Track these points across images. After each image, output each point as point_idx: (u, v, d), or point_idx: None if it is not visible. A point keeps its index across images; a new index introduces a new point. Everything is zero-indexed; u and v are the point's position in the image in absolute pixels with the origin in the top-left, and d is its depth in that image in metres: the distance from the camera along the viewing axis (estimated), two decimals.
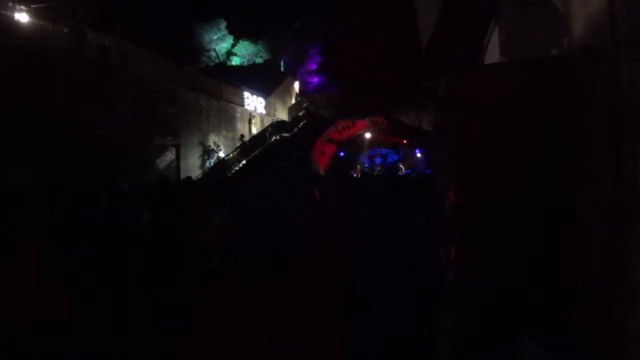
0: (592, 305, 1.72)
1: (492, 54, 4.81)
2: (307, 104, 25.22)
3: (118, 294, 3.66)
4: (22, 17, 10.11)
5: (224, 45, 31.36)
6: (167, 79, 14.85)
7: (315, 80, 31.40)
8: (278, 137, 21.24)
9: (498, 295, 2.07)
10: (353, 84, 24.39)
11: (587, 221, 1.79)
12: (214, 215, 4.62)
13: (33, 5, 10.40)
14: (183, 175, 13.96)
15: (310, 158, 20.23)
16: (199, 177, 15.27)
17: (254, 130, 21.20)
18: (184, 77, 16.25)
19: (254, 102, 21.85)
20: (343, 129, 23.73)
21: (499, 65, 3.68)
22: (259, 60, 31.54)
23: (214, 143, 16.86)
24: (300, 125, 23.19)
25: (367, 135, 24.70)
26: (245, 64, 30.97)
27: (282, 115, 25.20)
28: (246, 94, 21.20)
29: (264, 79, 24.32)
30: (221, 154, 17.19)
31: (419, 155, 23.20)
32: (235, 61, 31.36)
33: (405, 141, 23.90)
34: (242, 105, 20.77)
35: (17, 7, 10.04)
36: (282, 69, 29.76)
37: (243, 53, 31.64)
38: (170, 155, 14.75)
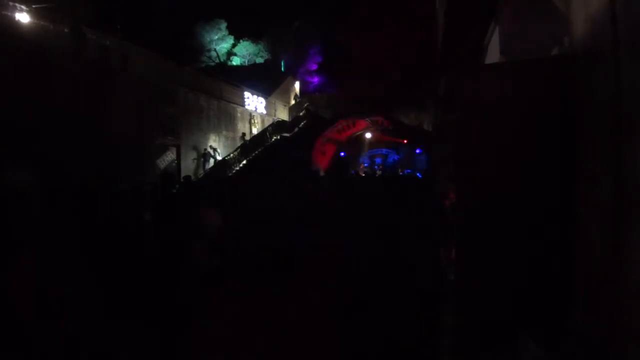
0: (592, 305, 1.72)
1: (493, 54, 4.81)
2: (307, 104, 25.24)
3: (117, 293, 3.66)
4: (23, 17, 10.13)
5: (224, 45, 31.38)
6: (168, 79, 14.86)
7: (315, 80, 31.40)
8: (278, 137, 21.26)
9: (498, 295, 2.07)
10: (353, 83, 24.39)
11: (587, 221, 1.79)
12: (212, 216, 4.62)
13: (34, 6, 10.41)
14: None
15: (310, 158, 20.26)
16: (200, 176, 15.28)
17: (255, 130, 21.21)
18: (184, 77, 16.26)
19: (254, 102, 21.87)
20: (343, 129, 23.75)
21: (499, 65, 3.68)
22: (259, 60, 31.55)
23: (210, 147, 16.35)
24: (300, 125, 23.20)
25: (368, 135, 24.72)
26: (246, 64, 30.98)
27: (283, 115, 25.22)
28: (246, 94, 21.22)
29: (264, 79, 24.34)
30: (218, 157, 16.77)
31: (419, 155, 23.22)
32: (235, 61, 31.37)
33: (405, 141, 23.91)
34: (243, 105, 20.79)
35: (18, 7, 10.05)
36: (282, 69, 29.77)
37: (243, 53, 31.65)
38: (170, 155, 14.76)
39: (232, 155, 17.59)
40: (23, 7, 10.14)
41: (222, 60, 31.03)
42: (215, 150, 16.57)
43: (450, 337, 2.33)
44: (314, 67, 31.34)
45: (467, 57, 5.64)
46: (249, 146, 18.85)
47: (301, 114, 24.59)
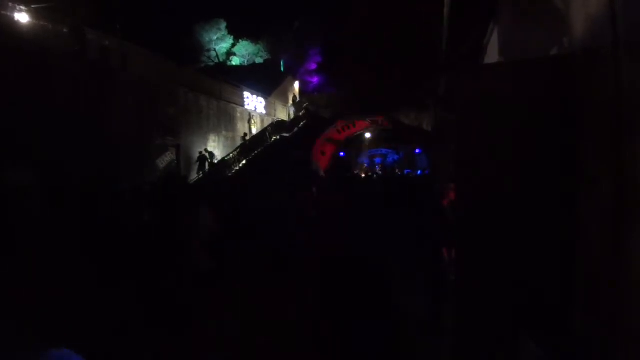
0: (592, 305, 1.72)
1: (492, 54, 4.81)
2: (307, 104, 25.23)
3: (117, 291, 3.67)
4: (22, 17, 10.12)
5: (224, 45, 31.37)
6: (167, 79, 14.85)
7: (315, 80, 31.39)
8: (278, 137, 21.25)
9: (498, 295, 2.07)
10: (353, 84, 24.39)
11: (587, 221, 1.79)
12: (212, 216, 4.62)
13: (33, 6, 10.40)
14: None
15: (310, 158, 20.26)
16: (199, 176, 15.26)
17: (254, 130, 21.19)
18: (184, 77, 16.25)
19: (254, 102, 21.86)
20: (343, 129, 23.74)
21: (499, 65, 3.68)
22: (259, 60, 31.55)
23: (205, 150, 15.83)
24: (300, 125, 23.20)
25: (367, 135, 24.72)
26: (245, 64, 30.97)
27: (282, 115, 25.21)
28: (246, 94, 21.21)
29: (264, 79, 24.32)
30: (214, 161, 16.28)
31: (418, 155, 23.23)
32: (235, 61, 31.36)
33: (404, 141, 23.91)
34: (242, 105, 20.78)
35: (17, 8, 10.04)
36: (282, 69, 29.75)
37: (243, 53, 31.64)
38: (170, 155, 14.75)
39: (231, 155, 17.58)
40: (22, 7, 10.13)
41: (221, 60, 31.02)
42: (211, 153, 16.05)
43: (450, 337, 2.33)
44: (314, 67, 31.33)
45: (467, 57, 5.64)
46: (248, 146, 18.83)
47: (301, 114, 24.58)
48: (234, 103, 19.98)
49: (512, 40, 3.80)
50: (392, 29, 23.64)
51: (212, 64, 29.99)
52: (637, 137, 1.38)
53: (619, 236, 1.47)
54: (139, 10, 21.65)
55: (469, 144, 2.22)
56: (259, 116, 22.32)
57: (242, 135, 19.62)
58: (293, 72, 29.39)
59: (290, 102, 25.84)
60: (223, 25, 30.78)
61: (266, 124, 22.45)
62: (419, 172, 19.45)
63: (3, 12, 9.62)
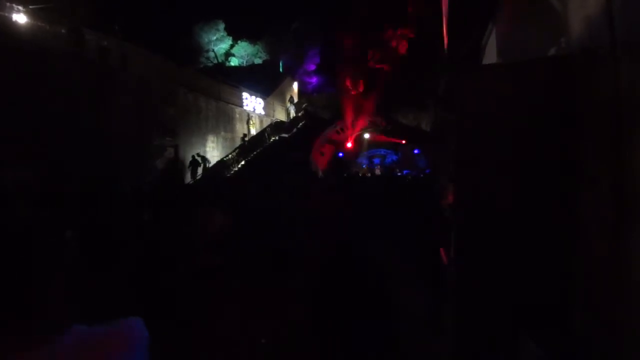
0: (592, 306, 1.72)
1: (491, 55, 4.82)
2: (306, 104, 25.23)
3: (118, 290, 3.67)
4: (21, 18, 10.10)
5: (222, 46, 31.36)
6: (167, 79, 14.84)
7: (314, 80, 31.39)
8: (277, 138, 21.25)
9: (498, 295, 2.07)
10: (352, 84, 24.41)
11: (587, 221, 1.79)
12: (214, 215, 4.62)
13: (31, 6, 10.38)
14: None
15: (309, 159, 20.28)
16: (199, 177, 15.24)
17: (253, 131, 21.18)
18: (183, 78, 16.23)
19: (252, 103, 21.84)
20: (342, 130, 23.75)
21: (499, 65, 3.69)
22: (257, 61, 31.54)
23: (198, 154, 15.26)
24: (299, 126, 23.20)
25: (366, 136, 24.73)
26: (244, 64, 30.96)
27: (281, 115, 25.20)
28: (245, 95, 21.19)
29: (262, 80, 24.30)
30: (208, 165, 15.72)
31: (417, 155, 23.25)
32: (233, 62, 31.35)
33: (404, 141, 23.93)
34: (241, 105, 20.77)
35: (16, 8, 10.02)
36: (281, 70, 29.73)
37: (242, 54, 31.64)
38: (169, 156, 14.73)
39: (230, 156, 17.56)
40: (21, 8, 10.12)
41: (220, 61, 31.00)
42: (203, 158, 15.49)
43: (450, 337, 2.33)
44: (313, 67, 31.33)
45: (466, 58, 5.65)
46: (247, 147, 18.82)
47: (300, 114, 24.58)
48: (233, 104, 19.98)
49: (511, 41, 3.81)
50: (392, 29, 23.68)
51: (211, 64, 29.97)
52: (636, 137, 1.39)
53: (618, 236, 1.48)
54: (138, 10, 21.66)
55: (469, 144, 2.22)
56: (257, 117, 22.31)
57: (242, 135, 19.60)
58: (292, 73, 29.39)
59: (288, 102, 25.79)
60: (222, 26, 30.77)
61: (265, 124, 22.44)
62: (414, 172, 19.49)
63: (1, 13, 9.60)
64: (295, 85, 29.21)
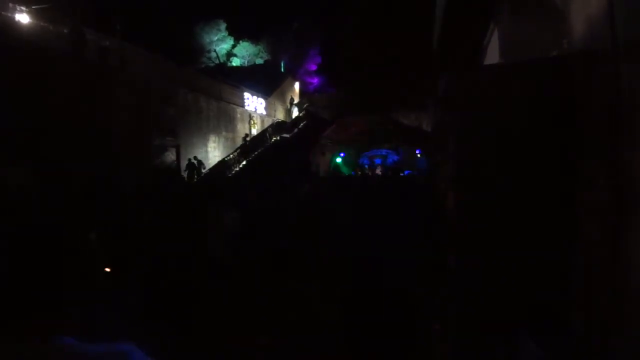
0: (592, 306, 1.72)
1: (492, 55, 4.81)
2: (307, 104, 25.23)
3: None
4: (23, 18, 10.13)
5: (224, 46, 31.38)
6: (167, 79, 14.85)
7: (315, 80, 31.40)
8: (278, 138, 21.25)
9: (498, 295, 2.07)
10: (353, 84, 24.40)
11: (586, 221, 1.79)
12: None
13: (34, 7, 10.41)
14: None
15: (310, 159, 20.28)
16: (195, 180, 15.20)
17: (254, 131, 21.18)
18: (184, 78, 16.25)
19: (254, 103, 21.85)
20: (343, 130, 23.74)
21: (499, 65, 3.69)
22: (259, 61, 31.55)
23: (194, 157, 14.93)
24: (300, 126, 23.21)
25: (367, 136, 24.71)
26: (246, 64, 30.97)
27: (283, 115, 25.21)
28: (246, 95, 21.20)
29: (264, 80, 24.30)
30: (203, 170, 15.32)
31: (419, 155, 23.22)
32: (235, 62, 31.36)
33: (404, 141, 23.91)
34: (242, 105, 20.77)
35: (18, 8, 10.05)
36: (282, 70, 29.75)
37: (243, 54, 31.65)
38: (170, 156, 14.73)
39: (231, 156, 17.56)
40: (23, 8, 10.14)
41: (221, 61, 31.02)
42: (199, 162, 15.11)
43: (450, 337, 2.34)
44: (314, 67, 31.34)
45: (467, 58, 5.65)
46: (248, 147, 18.81)
47: (301, 114, 24.59)
48: (234, 104, 19.98)
49: (512, 41, 3.81)
50: (392, 29, 23.66)
51: (212, 64, 29.99)
52: (636, 137, 1.39)
53: (618, 236, 1.48)
54: (139, 11, 21.67)
55: (469, 144, 2.22)
56: (259, 117, 22.32)
57: (243, 136, 19.59)
58: (293, 73, 29.40)
59: (288, 104, 25.76)
60: (223, 26, 30.78)
61: (266, 124, 22.44)
62: (415, 172, 19.47)
63: (4, 13, 9.63)
64: (296, 85, 29.21)
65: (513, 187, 2.09)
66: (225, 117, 18.92)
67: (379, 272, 3.72)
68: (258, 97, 22.37)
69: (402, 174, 20.57)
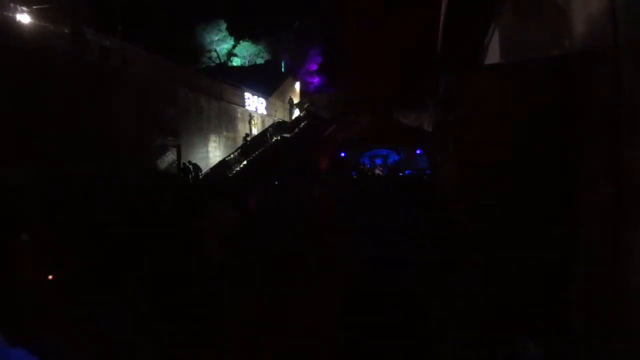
0: (592, 306, 1.72)
1: (493, 55, 4.81)
2: (307, 104, 25.24)
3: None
4: (24, 18, 10.15)
5: (224, 46, 31.40)
6: (168, 79, 14.86)
7: (315, 80, 31.41)
8: (279, 138, 21.26)
9: (498, 295, 2.07)
10: (354, 84, 24.39)
11: (587, 221, 1.79)
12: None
13: (34, 7, 10.42)
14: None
15: (311, 158, 20.28)
16: (200, 177, 15.24)
17: (255, 131, 21.19)
18: (184, 78, 16.26)
19: (254, 103, 21.86)
20: (343, 129, 23.75)
21: (499, 65, 3.69)
22: (259, 61, 31.56)
23: (189, 162, 14.60)
24: (301, 126, 23.22)
25: (368, 136, 24.71)
26: (246, 64, 30.98)
27: (283, 115, 25.22)
28: (247, 95, 21.20)
29: (264, 80, 24.31)
30: (201, 174, 15.11)
31: (419, 155, 23.22)
32: (235, 62, 31.38)
33: (405, 141, 23.91)
34: (243, 105, 20.78)
35: (19, 9, 10.07)
36: (282, 70, 29.76)
37: (244, 54, 31.67)
38: (171, 156, 14.74)
39: (232, 156, 17.57)
40: (24, 8, 10.16)
41: (222, 61, 31.04)
42: (195, 165, 14.78)
43: (450, 337, 2.34)
44: (314, 67, 31.34)
45: (468, 58, 5.65)
46: (249, 147, 18.82)
47: (302, 114, 24.59)
48: (235, 103, 19.99)
49: (513, 41, 3.80)
50: (392, 29, 23.64)
51: (213, 64, 30.01)
52: (636, 137, 1.38)
53: (618, 236, 1.47)
54: (139, 11, 21.68)
55: (469, 144, 2.22)
56: (259, 116, 22.33)
57: (244, 135, 19.60)
58: (294, 73, 29.40)
59: (288, 104, 25.75)
60: (223, 26, 30.80)
61: (267, 124, 22.45)
62: (416, 172, 19.47)
63: (5, 13, 9.64)
64: (297, 85, 29.22)
65: (513, 187, 2.09)
66: (226, 117, 18.93)
67: (382, 273, 3.72)
68: (259, 97, 22.38)
69: (401, 174, 20.59)
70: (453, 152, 2.32)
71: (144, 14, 22.38)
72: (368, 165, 24.82)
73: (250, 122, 21.11)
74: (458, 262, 2.28)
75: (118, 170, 10.09)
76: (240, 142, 19.24)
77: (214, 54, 31.06)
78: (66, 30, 10.91)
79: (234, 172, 16.91)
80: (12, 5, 9.94)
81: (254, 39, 31.58)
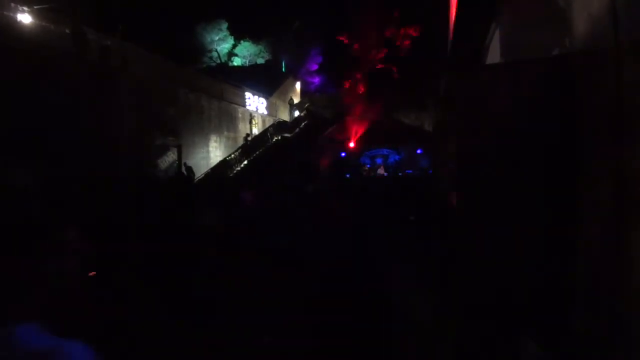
0: (593, 305, 1.72)
1: (494, 55, 4.81)
2: (308, 104, 25.25)
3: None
4: (24, 18, 10.16)
5: (225, 45, 31.42)
6: (169, 79, 14.88)
7: (316, 80, 31.41)
8: (279, 138, 21.28)
9: (498, 295, 2.07)
10: (354, 84, 24.41)
11: (588, 221, 1.79)
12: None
13: (35, 7, 10.44)
14: None
15: (311, 158, 20.29)
16: (200, 177, 15.26)
17: (255, 131, 21.21)
18: (185, 78, 16.27)
19: (255, 103, 21.87)
20: (344, 129, 23.76)
21: (500, 65, 3.68)
22: (260, 61, 31.58)
23: (184, 164, 14.32)
24: (301, 126, 23.23)
25: (368, 136, 24.71)
26: (247, 64, 31.00)
27: (284, 115, 25.23)
28: (247, 94, 21.21)
29: (265, 79, 24.32)
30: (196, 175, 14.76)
31: (420, 155, 23.22)
32: (236, 62, 31.40)
33: (406, 141, 23.90)
34: (244, 105, 20.79)
35: (19, 9, 10.08)
36: (283, 69, 29.77)
37: (244, 53, 31.69)
38: (171, 156, 14.76)
39: (233, 155, 17.59)
40: (25, 8, 10.17)
41: (223, 60, 31.06)
42: (189, 168, 14.31)
43: (450, 337, 2.33)
44: (315, 67, 31.35)
45: (469, 58, 5.64)
46: (249, 147, 18.84)
47: (302, 114, 24.61)
48: (236, 103, 20.00)
49: (514, 41, 3.80)
50: (393, 29, 23.66)
51: (213, 64, 30.03)
52: (637, 137, 1.38)
53: (619, 236, 1.47)
54: (140, 10, 21.70)
55: (469, 143, 2.22)
56: (260, 116, 22.34)
57: (245, 135, 19.62)
58: (294, 73, 29.41)
59: (288, 104, 25.76)
60: (224, 25, 30.82)
61: (267, 124, 22.46)
62: (417, 172, 19.49)
63: (6, 13, 9.65)
64: (297, 85, 29.23)
65: (513, 187, 2.08)
66: (226, 116, 18.95)
67: (380, 273, 3.72)
68: (259, 96, 22.39)
69: (400, 174, 20.60)
70: (453, 152, 2.32)
71: (144, 13, 22.39)
72: (369, 166, 24.81)
73: (251, 122, 21.12)
74: (458, 262, 2.28)
75: (118, 170, 10.10)
76: (240, 141, 19.26)
77: (214, 54, 31.08)
78: (66, 30, 10.92)
79: (235, 171, 16.93)
80: (12, 5, 9.95)
81: (255, 38, 31.59)
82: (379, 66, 24.82)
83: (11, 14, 9.86)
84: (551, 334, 1.83)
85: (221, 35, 31.02)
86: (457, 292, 2.25)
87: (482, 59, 5.60)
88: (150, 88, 13.46)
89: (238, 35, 31.33)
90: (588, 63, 1.84)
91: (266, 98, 23.21)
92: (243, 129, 20.33)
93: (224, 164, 16.91)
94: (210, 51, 31.01)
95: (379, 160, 25.98)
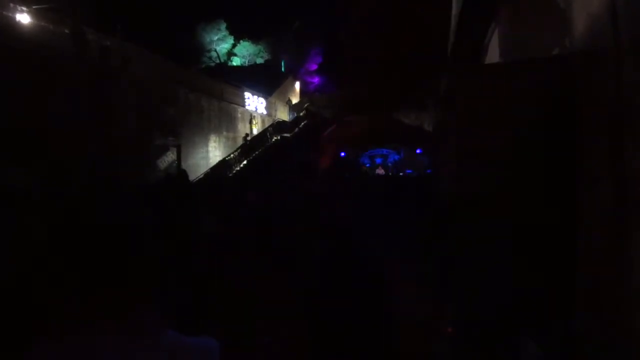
0: (593, 306, 1.72)
1: (493, 55, 4.80)
2: (307, 104, 25.25)
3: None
4: (24, 18, 10.15)
5: (224, 45, 31.42)
6: (168, 79, 14.88)
7: (315, 80, 31.40)
8: (279, 138, 21.27)
9: (498, 295, 2.07)
10: (354, 84, 24.40)
11: (588, 221, 1.78)
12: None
13: (34, 7, 10.43)
14: None
15: (311, 158, 20.29)
16: (200, 177, 15.27)
17: (255, 131, 21.21)
18: (184, 78, 16.27)
19: (254, 103, 21.87)
20: (343, 129, 23.76)
21: (500, 65, 3.68)
22: (259, 61, 31.58)
23: (177, 169, 14.50)
24: (301, 126, 23.23)
25: (368, 136, 24.72)
26: (246, 64, 31.00)
27: (283, 115, 25.23)
28: (247, 95, 21.21)
29: (264, 79, 24.33)
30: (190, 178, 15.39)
31: (419, 155, 23.23)
32: (235, 61, 31.39)
33: (405, 141, 23.91)
34: (243, 105, 20.79)
35: (19, 9, 10.07)
36: (282, 69, 29.77)
37: (244, 53, 31.68)
38: (171, 156, 14.76)
39: (232, 155, 17.59)
40: (24, 8, 10.17)
41: (222, 60, 31.06)
42: (182, 174, 14.98)
43: (450, 337, 2.33)
44: (314, 67, 31.35)
45: (469, 57, 5.64)
46: (249, 147, 18.84)
47: (302, 114, 24.61)
48: (235, 103, 20.00)
49: (513, 41, 3.80)
50: (393, 29, 23.65)
51: (213, 64, 30.04)
52: (637, 137, 1.38)
53: (620, 236, 1.47)
54: (139, 11, 21.69)
55: (469, 144, 2.22)
56: (259, 116, 22.33)
57: (244, 135, 19.62)
58: (294, 73, 29.41)
59: (287, 104, 25.76)
60: (223, 25, 30.82)
61: (267, 124, 22.46)
62: (417, 172, 19.50)
63: (4, 13, 9.65)
64: (297, 85, 29.23)
65: (513, 187, 2.08)
66: (226, 116, 18.94)
67: (380, 273, 3.71)
68: (259, 96, 22.39)
69: (401, 174, 20.60)
70: (453, 152, 2.32)
71: (144, 13, 22.38)
72: (368, 165, 24.82)
73: (250, 122, 21.12)
74: (458, 263, 2.28)
75: (118, 170, 10.09)
76: (240, 141, 19.26)
77: (213, 54, 31.08)
78: (66, 30, 10.91)
79: (234, 171, 16.93)
80: (12, 5, 9.94)
81: (254, 38, 31.59)
82: (379, 66, 24.80)
83: (11, 14, 9.86)
84: (551, 334, 1.83)
85: (220, 35, 31.02)
86: (457, 292, 2.24)
87: (481, 59, 5.60)
88: (150, 88, 13.46)
89: (237, 35, 31.33)
90: (588, 63, 1.84)
91: (266, 98, 23.21)
92: (242, 129, 20.33)
93: (223, 164, 16.91)
94: (210, 51, 31.01)
95: (378, 160, 26.00)
